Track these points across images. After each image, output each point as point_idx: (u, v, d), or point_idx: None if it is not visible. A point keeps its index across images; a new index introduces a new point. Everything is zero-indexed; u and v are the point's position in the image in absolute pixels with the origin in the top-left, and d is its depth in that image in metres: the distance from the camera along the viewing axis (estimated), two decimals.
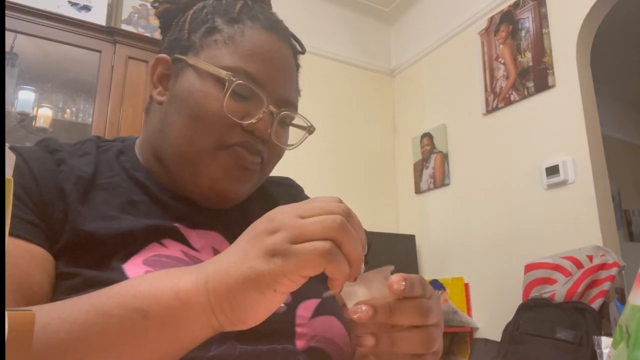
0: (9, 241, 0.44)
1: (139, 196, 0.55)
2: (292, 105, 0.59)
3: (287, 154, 0.62)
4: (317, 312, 0.53)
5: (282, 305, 0.50)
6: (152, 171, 0.59)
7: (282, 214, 0.37)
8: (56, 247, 0.48)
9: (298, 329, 0.50)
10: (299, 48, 0.63)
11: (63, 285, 0.46)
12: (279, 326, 0.49)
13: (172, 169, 0.57)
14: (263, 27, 0.57)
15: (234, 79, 0.52)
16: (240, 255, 0.37)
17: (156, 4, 0.64)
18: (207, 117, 0.53)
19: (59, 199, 0.50)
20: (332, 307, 0.55)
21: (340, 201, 0.38)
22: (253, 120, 0.53)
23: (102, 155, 0.58)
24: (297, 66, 0.63)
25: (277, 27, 0.59)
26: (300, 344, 0.49)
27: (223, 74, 0.52)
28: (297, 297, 0.53)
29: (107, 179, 0.55)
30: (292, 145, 0.60)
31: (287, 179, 0.75)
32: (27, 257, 0.45)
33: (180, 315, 0.36)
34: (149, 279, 0.38)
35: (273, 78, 0.55)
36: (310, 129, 0.61)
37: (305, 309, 0.52)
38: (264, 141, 0.56)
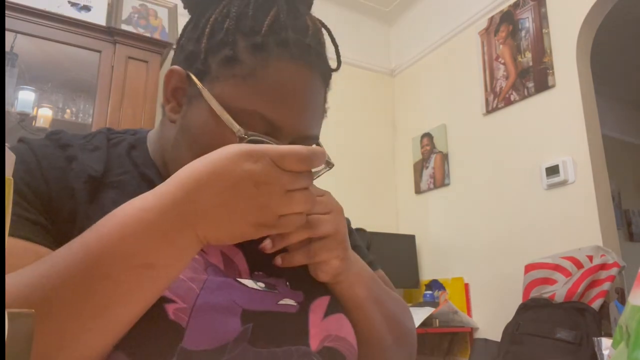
0: (17, 243, 0.44)
1: None
2: (313, 139, 0.55)
3: None
4: (329, 310, 0.52)
5: (294, 304, 0.51)
6: (162, 168, 0.57)
7: (267, 187, 0.40)
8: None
9: (311, 329, 0.50)
10: (333, 67, 0.58)
11: None
12: (293, 327, 0.49)
13: None
14: (291, 56, 0.50)
15: (245, 137, 0.48)
16: (226, 220, 0.40)
17: None
18: None
19: (68, 198, 0.48)
20: (340, 305, 0.55)
21: (309, 156, 0.42)
22: None
23: (113, 149, 0.56)
24: (327, 88, 0.58)
25: (307, 53, 0.52)
26: (314, 344, 0.49)
27: (236, 129, 0.48)
28: (309, 295, 0.52)
29: (117, 176, 0.53)
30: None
31: None
32: (35, 259, 0.44)
33: (185, 261, 0.42)
34: (138, 238, 0.39)
35: (293, 117, 0.51)
36: (329, 165, 0.52)
37: (317, 308, 0.52)
38: None
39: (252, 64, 0.49)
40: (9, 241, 0.41)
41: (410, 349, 0.61)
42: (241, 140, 0.48)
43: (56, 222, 0.47)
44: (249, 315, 0.46)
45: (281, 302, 0.50)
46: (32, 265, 0.39)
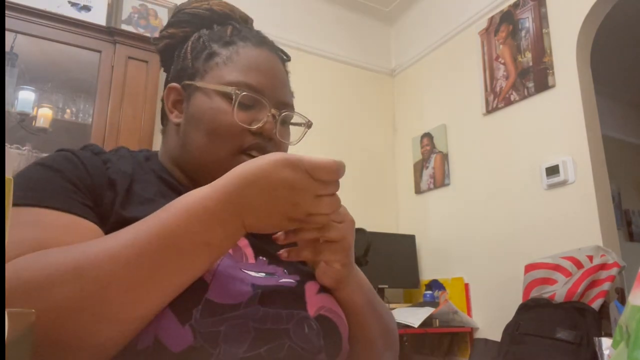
0: (74, 219, 0.52)
1: (167, 191, 0.63)
2: (290, 106, 0.68)
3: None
4: (320, 290, 0.62)
5: (292, 281, 0.60)
6: (172, 172, 0.68)
7: (301, 191, 0.49)
8: (103, 229, 0.55)
9: (308, 300, 0.59)
10: (285, 57, 0.74)
11: None
12: (293, 296, 0.58)
13: (195, 178, 0.66)
14: (253, 44, 0.68)
15: (239, 92, 0.62)
16: (266, 213, 0.49)
17: (156, 42, 0.74)
18: (222, 129, 0.63)
19: (108, 188, 0.58)
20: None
21: (337, 167, 0.50)
22: (260, 124, 0.63)
23: (134, 159, 0.67)
24: (287, 72, 0.73)
25: (265, 42, 0.70)
26: (311, 311, 0.57)
27: (229, 89, 0.62)
28: (304, 277, 0.62)
29: (142, 175, 0.64)
30: (294, 140, 0.71)
31: None
32: (90, 233, 0.52)
33: (232, 243, 0.51)
34: (201, 221, 0.47)
35: (270, 86, 0.66)
36: (308, 124, 0.72)
37: (311, 286, 0.61)
38: (270, 140, 0.65)
39: (227, 54, 0.66)
40: (70, 217, 0.52)
41: (396, 348, 0.71)
42: (236, 97, 0.62)
43: (99, 207, 0.57)
44: (257, 287, 0.56)
45: (281, 280, 0.59)
46: (112, 236, 0.48)
